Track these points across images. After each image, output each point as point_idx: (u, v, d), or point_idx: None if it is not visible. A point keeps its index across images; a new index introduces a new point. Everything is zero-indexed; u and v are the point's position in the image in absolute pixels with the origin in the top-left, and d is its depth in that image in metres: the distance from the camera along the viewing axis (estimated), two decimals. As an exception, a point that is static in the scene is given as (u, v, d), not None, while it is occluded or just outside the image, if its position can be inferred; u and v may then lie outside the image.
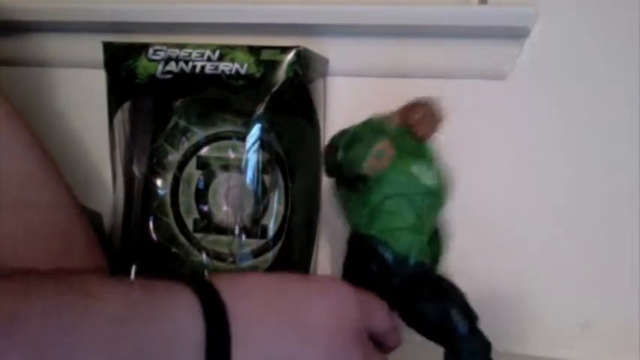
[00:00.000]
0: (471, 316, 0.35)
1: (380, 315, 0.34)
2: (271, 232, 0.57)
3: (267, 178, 0.58)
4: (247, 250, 0.58)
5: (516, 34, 0.57)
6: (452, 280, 0.38)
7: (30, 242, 0.47)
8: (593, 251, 0.59)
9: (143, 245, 0.61)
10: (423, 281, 0.36)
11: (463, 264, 0.35)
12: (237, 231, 0.58)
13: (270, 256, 0.57)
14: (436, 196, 0.38)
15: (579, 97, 0.58)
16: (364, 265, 0.36)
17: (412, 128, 0.39)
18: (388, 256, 0.36)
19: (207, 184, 0.60)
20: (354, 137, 0.38)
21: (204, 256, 0.60)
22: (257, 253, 0.58)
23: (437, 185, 0.38)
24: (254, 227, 0.58)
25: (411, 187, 0.37)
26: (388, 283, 0.36)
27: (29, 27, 0.68)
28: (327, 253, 0.66)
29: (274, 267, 0.56)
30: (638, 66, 0.57)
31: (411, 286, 0.36)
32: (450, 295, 0.36)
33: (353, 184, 0.39)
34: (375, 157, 0.36)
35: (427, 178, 0.37)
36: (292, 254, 0.58)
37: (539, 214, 0.60)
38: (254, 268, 0.57)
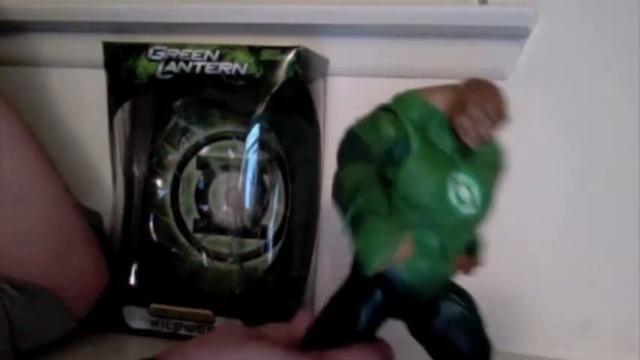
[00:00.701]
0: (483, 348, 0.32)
1: None
2: (271, 232, 0.57)
3: (267, 178, 0.58)
4: (247, 250, 0.58)
5: (516, 34, 0.57)
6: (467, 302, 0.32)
7: (28, 241, 0.47)
8: (594, 251, 0.59)
9: (143, 245, 0.61)
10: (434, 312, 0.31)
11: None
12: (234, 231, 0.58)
13: (269, 256, 0.57)
14: (471, 225, 0.29)
15: (579, 97, 0.58)
16: (367, 291, 0.30)
17: (464, 128, 0.27)
18: (397, 285, 0.29)
19: (207, 184, 0.60)
20: (365, 203, 0.27)
21: (204, 256, 0.60)
22: (257, 253, 0.58)
23: (478, 214, 0.28)
24: (254, 227, 0.58)
25: (444, 218, 0.27)
26: (396, 311, 0.31)
27: (29, 27, 0.68)
28: (328, 254, 0.66)
29: (274, 267, 0.56)
30: (638, 66, 0.57)
31: (423, 314, 0.31)
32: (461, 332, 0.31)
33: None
34: (382, 264, 0.26)
35: (465, 204, 0.27)
36: (292, 254, 0.58)
37: (540, 214, 0.60)
38: (254, 269, 0.57)
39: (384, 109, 0.28)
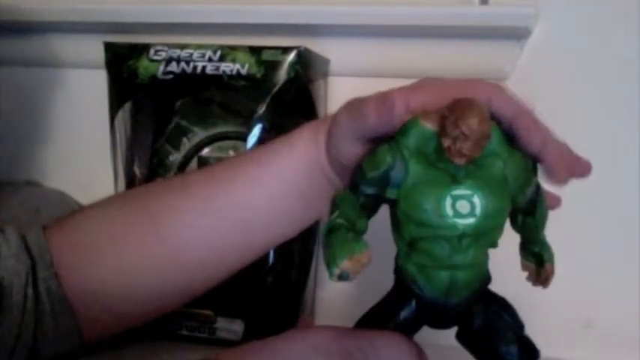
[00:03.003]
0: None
1: (390, 355, 0.32)
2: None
3: (268, 179, 0.58)
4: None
5: (517, 34, 0.57)
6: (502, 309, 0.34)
7: None
8: (594, 251, 0.59)
9: (144, 245, 0.61)
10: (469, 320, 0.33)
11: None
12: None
13: (270, 256, 0.57)
14: (479, 233, 0.30)
15: (580, 97, 0.58)
16: (402, 301, 0.32)
17: (449, 145, 0.29)
18: (423, 296, 0.31)
19: (208, 185, 0.60)
20: (334, 221, 0.30)
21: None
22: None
23: (478, 223, 0.29)
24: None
25: (444, 229, 0.29)
26: (428, 319, 0.33)
27: (30, 27, 0.68)
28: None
29: (274, 268, 0.56)
30: (638, 66, 0.57)
31: (461, 320, 0.33)
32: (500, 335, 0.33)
33: (389, 204, 0.32)
34: (338, 278, 0.28)
35: (466, 215, 0.29)
36: (292, 255, 0.58)
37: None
38: (254, 269, 0.57)
39: (387, 140, 0.32)
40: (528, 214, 0.34)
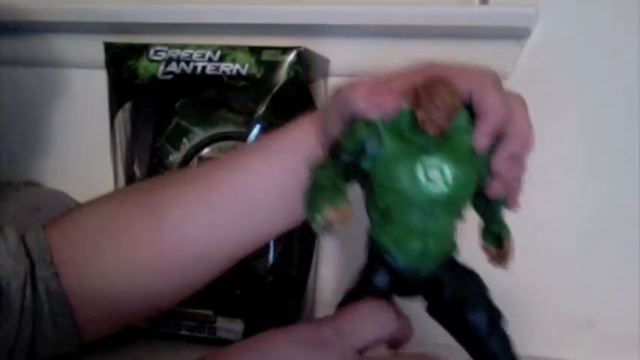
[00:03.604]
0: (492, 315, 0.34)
1: (366, 325, 0.33)
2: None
3: (268, 179, 0.58)
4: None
5: (517, 34, 0.57)
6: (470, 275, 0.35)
7: None
8: (595, 251, 0.59)
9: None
10: (439, 288, 0.34)
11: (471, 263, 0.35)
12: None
13: (270, 256, 0.57)
14: (450, 201, 0.32)
15: (580, 97, 0.58)
16: (375, 271, 0.34)
17: (423, 117, 0.32)
18: (396, 267, 0.33)
19: (208, 185, 0.60)
20: (316, 179, 0.33)
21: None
22: (258, 253, 0.58)
23: (449, 190, 0.32)
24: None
25: (417, 195, 0.32)
26: (403, 290, 0.34)
27: (29, 27, 0.68)
28: (328, 254, 0.66)
29: (274, 267, 0.56)
30: (638, 66, 0.57)
31: (430, 291, 0.34)
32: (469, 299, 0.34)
33: (364, 176, 0.34)
34: (323, 228, 0.31)
35: (437, 184, 0.32)
36: (293, 255, 0.58)
37: (540, 213, 0.60)
38: (255, 269, 0.57)
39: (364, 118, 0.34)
40: (488, 196, 0.36)
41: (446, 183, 0.32)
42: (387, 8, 0.58)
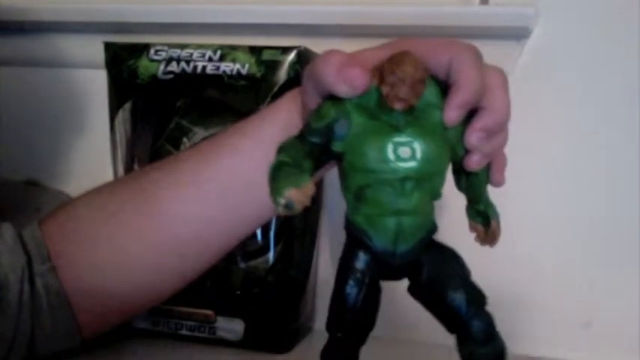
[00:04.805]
0: (475, 299, 0.33)
1: None
2: (272, 232, 0.57)
3: (268, 179, 0.58)
4: (248, 249, 0.58)
5: (517, 34, 0.57)
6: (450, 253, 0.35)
7: None
8: (595, 251, 0.59)
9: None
10: (416, 269, 0.34)
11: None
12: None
13: (270, 256, 0.57)
14: (421, 177, 0.32)
15: (580, 97, 0.58)
16: (353, 253, 0.33)
17: (388, 92, 0.31)
18: (373, 247, 0.32)
19: (208, 184, 0.60)
20: (280, 159, 0.32)
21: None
22: (257, 253, 0.58)
23: (419, 167, 0.32)
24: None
25: (387, 173, 0.31)
26: (380, 272, 0.33)
27: (30, 27, 0.68)
28: (329, 253, 0.66)
29: (275, 267, 0.56)
30: (638, 66, 0.57)
31: (409, 272, 0.34)
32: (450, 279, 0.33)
33: (336, 159, 0.34)
34: (284, 208, 0.30)
35: (407, 159, 0.31)
36: (293, 254, 0.58)
37: (540, 213, 0.60)
38: (255, 268, 0.57)
39: (331, 96, 0.34)
40: (471, 174, 0.36)
41: (415, 159, 0.32)
42: (387, 8, 0.58)
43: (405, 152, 0.32)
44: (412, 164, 0.32)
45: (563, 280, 0.60)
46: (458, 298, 0.33)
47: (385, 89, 0.32)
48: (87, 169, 0.71)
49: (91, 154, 0.71)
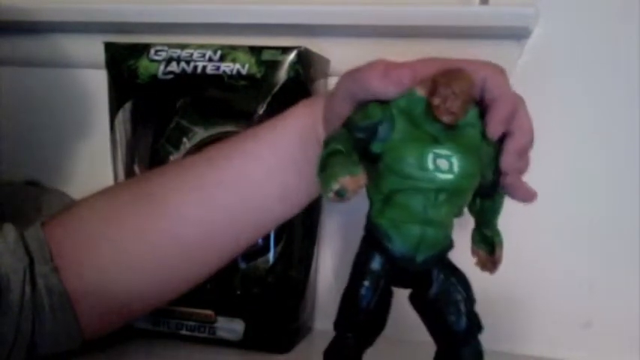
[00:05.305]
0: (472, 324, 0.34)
1: None
2: (272, 231, 0.57)
3: (268, 179, 0.58)
4: (248, 250, 0.58)
5: (517, 34, 0.57)
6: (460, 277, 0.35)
7: None
8: (595, 251, 0.59)
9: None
10: (429, 279, 0.34)
11: (463, 264, 0.35)
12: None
13: (270, 256, 0.57)
14: (454, 191, 0.33)
15: (580, 98, 0.58)
16: (371, 255, 0.34)
17: (439, 104, 0.32)
18: (392, 252, 0.33)
19: (208, 185, 0.60)
20: (333, 147, 0.33)
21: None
22: (257, 253, 0.58)
23: (455, 180, 0.32)
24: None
25: (424, 181, 0.32)
26: (395, 278, 0.34)
27: (30, 27, 0.68)
28: (329, 254, 0.66)
29: (275, 267, 0.56)
30: (638, 66, 0.57)
31: (419, 283, 0.34)
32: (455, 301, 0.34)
33: (372, 159, 0.34)
34: (335, 195, 0.31)
35: (445, 171, 0.32)
36: (293, 254, 0.58)
37: (541, 214, 0.59)
38: (255, 269, 0.57)
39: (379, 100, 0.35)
40: (486, 198, 0.37)
41: (452, 172, 0.32)
42: (387, 8, 0.58)
43: (443, 164, 0.32)
44: (449, 177, 0.32)
45: (563, 280, 0.60)
46: (458, 323, 0.34)
47: (436, 100, 0.32)
48: (87, 169, 0.71)
49: (91, 154, 0.71)
